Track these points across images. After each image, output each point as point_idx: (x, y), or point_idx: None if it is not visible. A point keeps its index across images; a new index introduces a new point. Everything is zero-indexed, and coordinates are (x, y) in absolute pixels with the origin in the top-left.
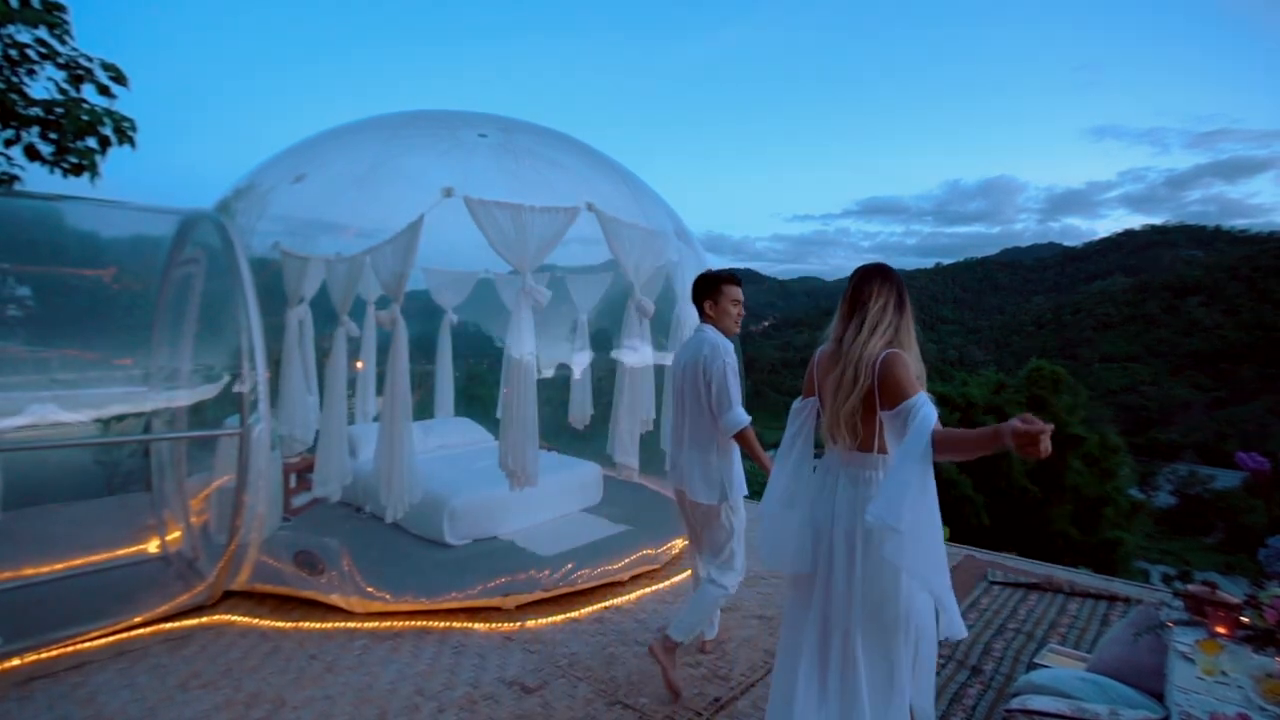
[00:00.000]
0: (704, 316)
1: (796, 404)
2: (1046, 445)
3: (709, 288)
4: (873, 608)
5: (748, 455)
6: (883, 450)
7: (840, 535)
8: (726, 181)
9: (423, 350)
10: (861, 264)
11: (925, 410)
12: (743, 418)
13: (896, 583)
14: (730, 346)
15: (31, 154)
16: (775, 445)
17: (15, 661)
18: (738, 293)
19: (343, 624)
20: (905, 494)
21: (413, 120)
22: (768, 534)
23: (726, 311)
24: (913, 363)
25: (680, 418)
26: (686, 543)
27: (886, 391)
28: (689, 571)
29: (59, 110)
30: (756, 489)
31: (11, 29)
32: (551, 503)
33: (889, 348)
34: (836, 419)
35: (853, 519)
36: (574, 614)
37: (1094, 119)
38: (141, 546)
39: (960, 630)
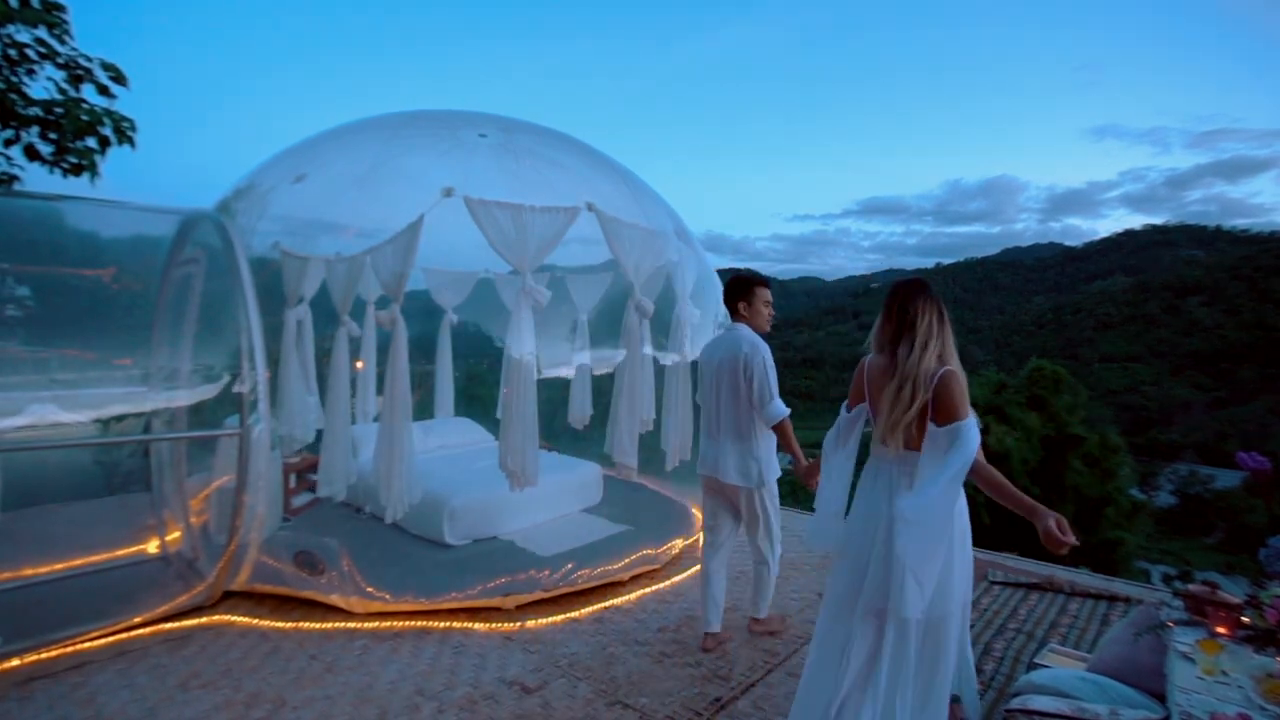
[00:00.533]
0: (737, 316)
1: (846, 414)
2: (1065, 551)
3: (743, 289)
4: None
5: (781, 446)
6: None
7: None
8: (726, 181)
9: (423, 350)
10: (900, 280)
11: (972, 434)
12: (784, 409)
13: (949, 575)
14: (766, 344)
15: (31, 154)
16: None
17: (15, 661)
18: (768, 294)
19: (343, 624)
20: (931, 500)
21: (413, 120)
22: (819, 525)
23: (759, 311)
24: (962, 377)
25: (714, 410)
26: (701, 537)
27: (941, 407)
28: (690, 571)
29: (59, 110)
30: (804, 502)
31: (11, 29)
32: (551, 503)
33: (942, 364)
34: (893, 427)
35: None
36: (574, 614)
37: (1094, 119)
38: (141, 547)
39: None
